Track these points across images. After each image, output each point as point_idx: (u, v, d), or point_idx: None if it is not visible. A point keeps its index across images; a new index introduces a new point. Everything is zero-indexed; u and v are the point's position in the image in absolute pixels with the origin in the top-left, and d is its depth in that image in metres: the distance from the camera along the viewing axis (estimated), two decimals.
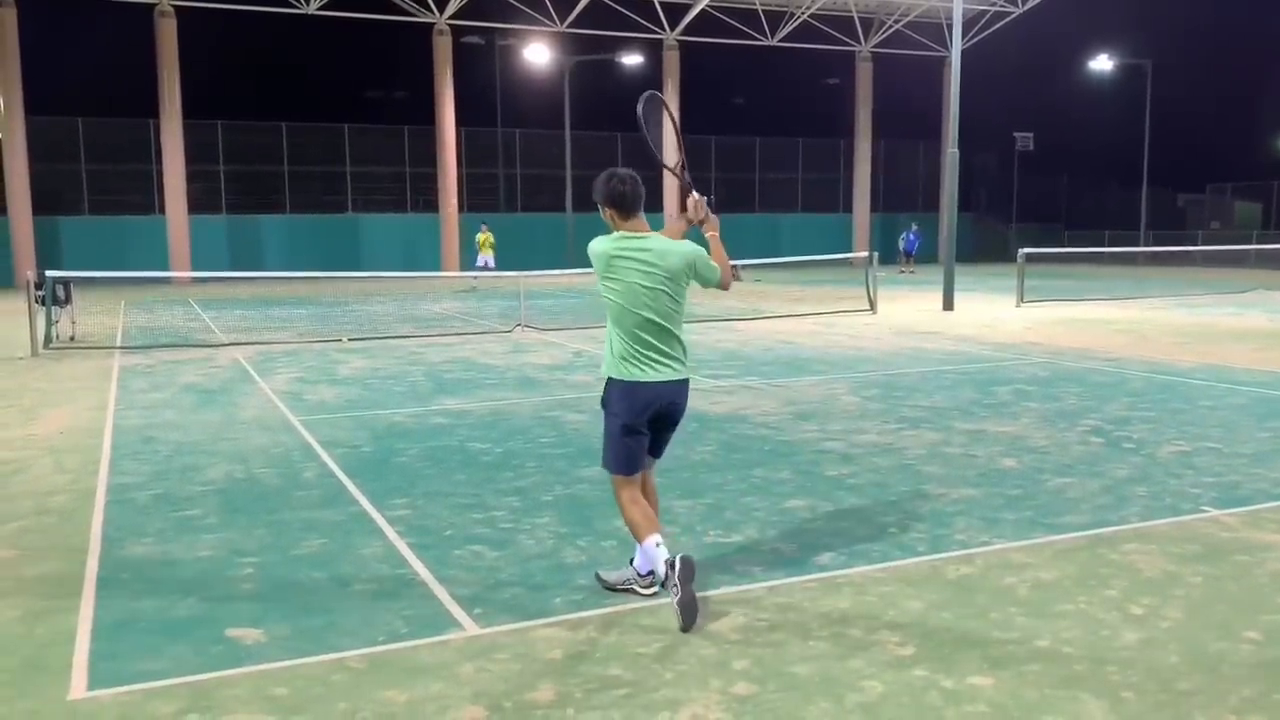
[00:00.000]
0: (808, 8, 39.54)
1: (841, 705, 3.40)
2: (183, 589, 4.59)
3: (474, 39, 37.70)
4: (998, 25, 40.74)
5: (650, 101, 4.72)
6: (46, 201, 32.87)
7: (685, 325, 4.37)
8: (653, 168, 4.96)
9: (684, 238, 4.45)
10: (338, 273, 28.02)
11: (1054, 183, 50.76)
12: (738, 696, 3.47)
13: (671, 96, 37.77)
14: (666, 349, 4.25)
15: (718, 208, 4.68)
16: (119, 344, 15.19)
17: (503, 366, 12.10)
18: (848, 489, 6.18)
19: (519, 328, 16.55)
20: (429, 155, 37.49)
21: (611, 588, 4.45)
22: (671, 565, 4.03)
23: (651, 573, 4.32)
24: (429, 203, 38.23)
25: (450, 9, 35.35)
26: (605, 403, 4.34)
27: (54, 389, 10.79)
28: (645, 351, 4.23)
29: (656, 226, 4.33)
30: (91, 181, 35.43)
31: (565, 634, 4.01)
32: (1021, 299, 20.49)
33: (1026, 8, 40.13)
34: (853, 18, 41.01)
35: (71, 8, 39.25)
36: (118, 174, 35.70)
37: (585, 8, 35.92)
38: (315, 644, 3.94)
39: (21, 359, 13.29)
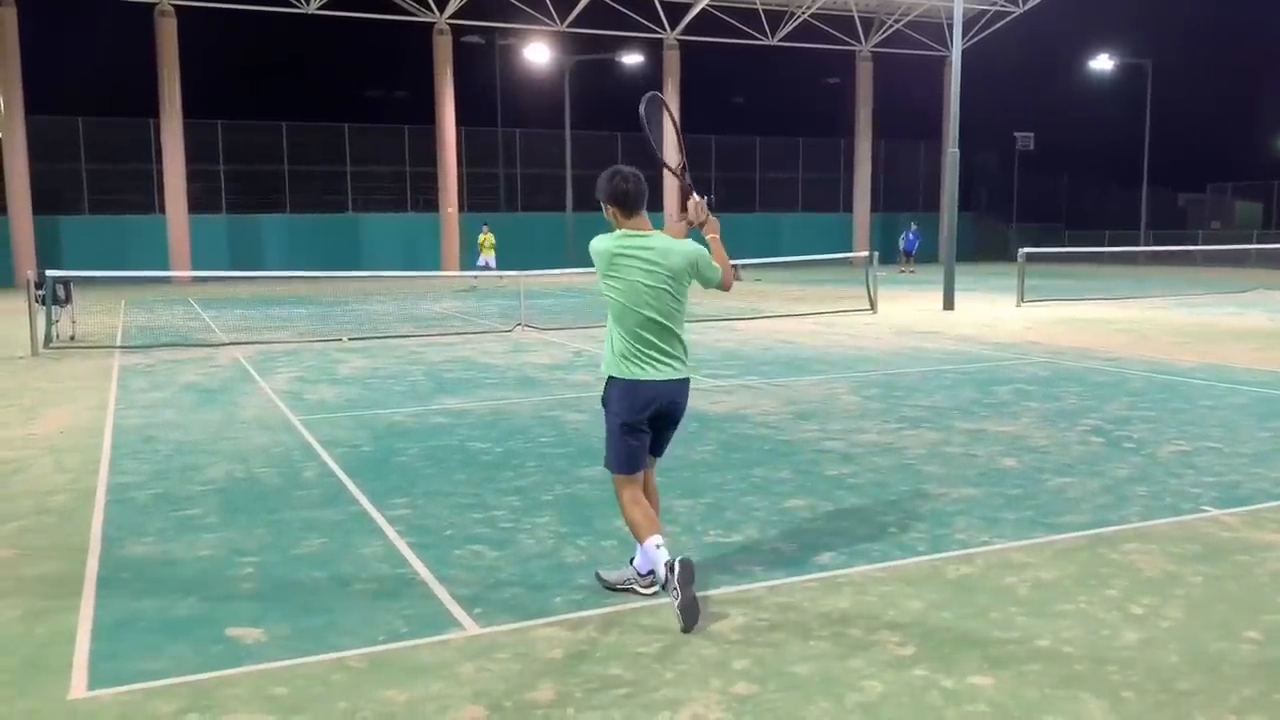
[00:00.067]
0: (808, 7, 39.54)
1: (842, 705, 3.40)
2: (183, 588, 4.59)
3: (474, 38, 37.71)
4: (998, 25, 40.76)
5: (651, 102, 4.72)
6: (46, 201, 32.88)
7: (685, 325, 4.37)
8: (654, 167, 4.96)
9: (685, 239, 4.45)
10: (338, 272, 28.04)
11: (1054, 182, 50.74)
12: (738, 696, 3.47)
13: (672, 96, 37.78)
14: (668, 348, 4.25)
15: (718, 207, 4.68)
16: (119, 343, 15.19)
17: (503, 366, 12.10)
18: (848, 488, 6.17)
19: (519, 327, 16.55)
20: (429, 155, 37.51)
21: (612, 587, 4.45)
22: (671, 568, 4.03)
23: (652, 572, 4.32)
24: (429, 202, 38.25)
25: (450, 8, 35.34)
26: (605, 401, 4.33)
27: (54, 388, 10.79)
28: (646, 350, 4.22)
29: (658, 226, 4.33)
30: (91, 181, 35.44)
31: (565, 633, 4.01)
32: (1022, 298, 20.48)
33: (1027, 7, 40.14)
34: (853, 17, 41.01)
35: (71, 7, 39.29)
36: (118, 173, 35.71)
37: (585, 7, 35.92)
38: (315, 643, 3.94)
39: (21, 358, 13.29)
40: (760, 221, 43.10)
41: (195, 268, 32.20)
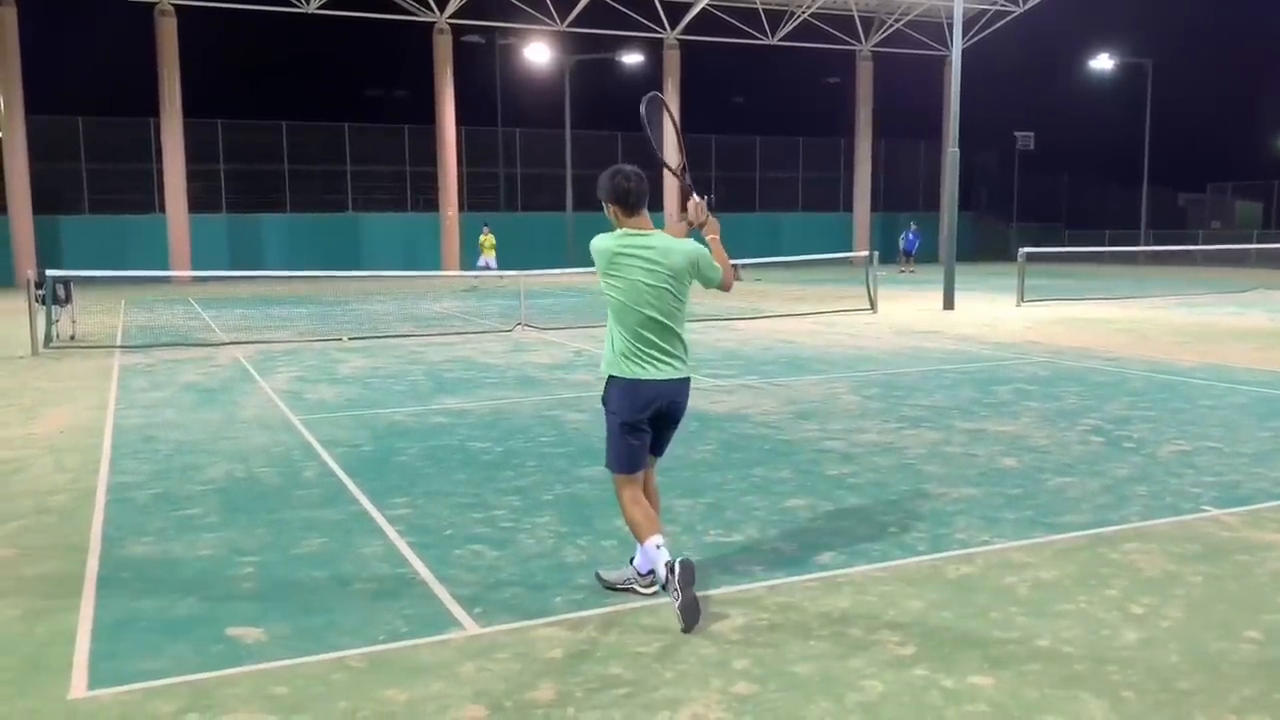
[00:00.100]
0: (808, 7, 39.54)
1: (842, 704, 3.40)
2: (183, 588, 4.59)
3: (474, 38, 37.71)
4: (998, 24, 40.76)
5: (652, 103, 4.72)
6: (47, 200, 32.88)
7: (685, 324, 4.36)
8: (655, 167, 4.96)
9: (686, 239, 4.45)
10: (338, 272, 28.02)
11: (1054, 182, 50.74)
12: (738, 696, 3.47)
13: (672, 96, 37.78)
14: (669, 347, 4.25)
15: (718, 207, 4.68)
16: (119, 343, 15.19)
17: (503, 366, 12.10)
18: (848, 488, 6.17)
19: (519, 327, 16.55)
20: (429, 154, 37.51)
21: (612, 587, 4.45)
22: (672, 569, 4.02)
23: (652, 572, 4.32)
24: (429, 202, 38.26)
25: (451, 8, 35.34)
26: (605, 401, 4.32)
27: (54, 388, 10.79)
28: (647, 349, 4.22)
29: (658, 226, 4.32)
30: (92, 180, 35.44)
31: (565, 633, 4.01)
32: (1022, 298, 20.48)
33: (1027, 7, 40.14)
34: (853, 17, 41.01)
35: (71, 7, 39.31)
36: (118, 173, 35.72)
37: (585, 7, 35.91)
38: (315, 643, 3.94)
39: (22, 358, 13.29)
40: (760, 221, 43.10)
41: (195, 267, 32.20)
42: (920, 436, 7.66)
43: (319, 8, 33.87)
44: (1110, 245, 40.97)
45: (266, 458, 7.24)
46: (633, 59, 38.38)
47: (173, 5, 32.64)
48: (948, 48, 37.94)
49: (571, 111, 36.76)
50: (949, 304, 19.64)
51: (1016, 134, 47.45)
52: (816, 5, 39.57)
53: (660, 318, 4.21)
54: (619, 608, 4.27)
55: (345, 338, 15.50)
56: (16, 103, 31.30)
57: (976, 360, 12.13)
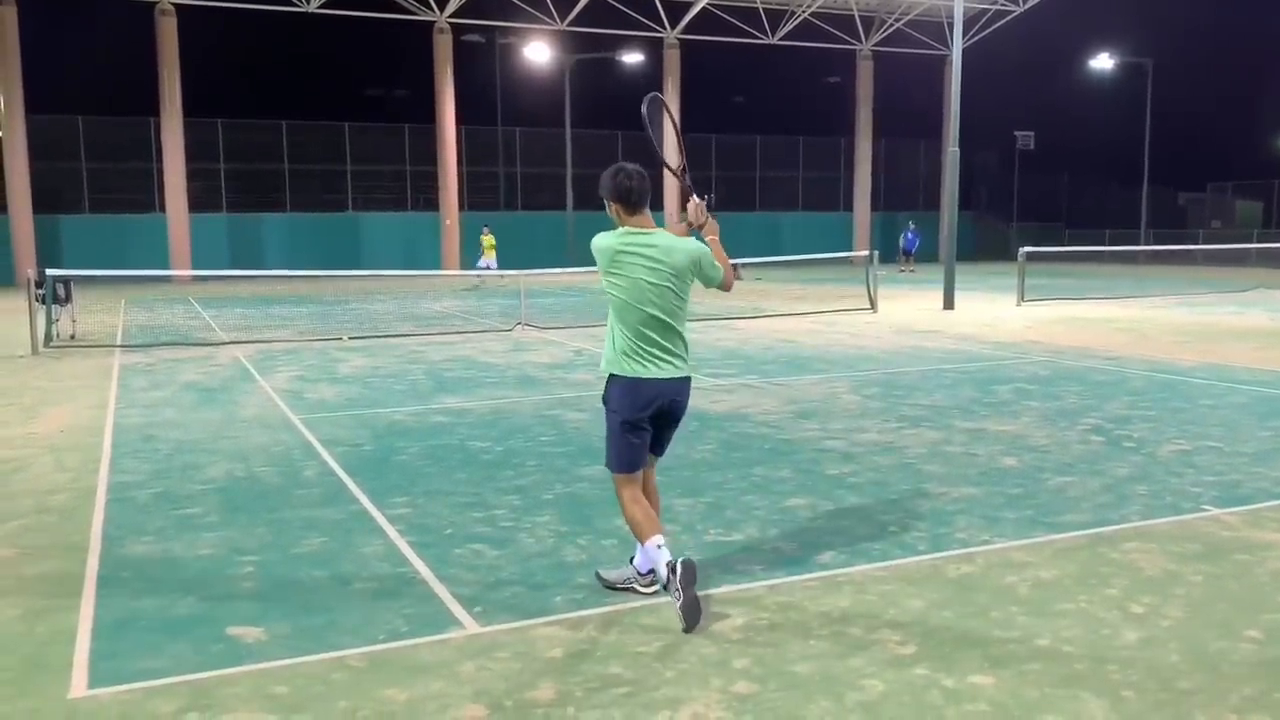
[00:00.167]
0: (808, 6, 39.52)
1: (842, 704, 3.39)
2: (183, 587, 4.59)
3: (474, 37, 37.71)
4: (998, 24, 40.75)
5: (653, 103, 4.72)
6: (47, 200, 32.88)
7: (686, 323, 4.36)
8: (656, 166, 4.96)
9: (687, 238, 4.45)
10: (338, 271, 28.03)
11: (1054, 181, 50.73)
12: (738, 695, 3.46)
13: (672, 95, 37.78)
14: (670, 346, 4.25)
15: (718, 206, 4.68)
16: (119, 342, 15.19)
17: (503, 365, 12.10)
18: (848, 488, 6.17)
19: (519, 326, 16.55)
20: (429, 153, 37.50)
21: (612, 586, 4.45)
22: (673, 569, 4.02)
23: (652, 572, 4.32)
24: (429, 201, 38.25)
25: (451, 7, 35.33)
26: (606, 399, 4.32)
27: (54, 387, 10.79)
28: (648, 348, 4.22)
29: (659, 225, 4.32)
30: (92, 180, 35.44)
31: (566, 633, 4.01)
32: (1022, 298, 20.48)
33: (1027, 6, 40.13)
34: (853, 16, 41.00)
35: (71, 6, 39.29)
36: (118, 172, 35.71)
37: (586, 6, 35.91)
38: (315, 642, 3.94)
39: (22, 357, 13.29)
40: (760, 220, 43.09)
41: (195, 267, 32.19)
42: (920, 436, 7.66)
43: (319, 7, 33.86)
44: (1110, 245, 40.93)
45: (267, 457, 7.24)
46: (633, 58, 38.38)
47: (173, 4, 32.63)
48: (948, 47, 37.95)
49: (572, 111, 36.76)
50: (949, 303, 19.63)
51: (1016, 133, 47.47)
52: (817, 5, 39.56)
53: (662, 316, 4.20)
54: (619, 607, 4.27)
55: (345, 337, 15.50)
56: (16, 102, 31.31)
57: (977, 360, 12.13)
